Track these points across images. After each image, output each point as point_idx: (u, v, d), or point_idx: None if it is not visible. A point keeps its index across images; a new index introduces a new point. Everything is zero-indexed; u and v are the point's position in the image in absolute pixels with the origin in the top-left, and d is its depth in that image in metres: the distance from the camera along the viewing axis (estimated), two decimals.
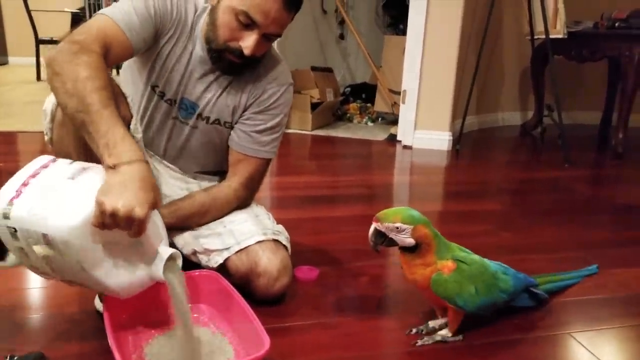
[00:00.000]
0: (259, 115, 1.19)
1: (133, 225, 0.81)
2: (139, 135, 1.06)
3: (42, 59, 4.82)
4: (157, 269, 0.89)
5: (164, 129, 1.20)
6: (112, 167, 0.83)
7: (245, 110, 1.19)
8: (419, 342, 1.03)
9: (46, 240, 0.80)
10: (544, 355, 1.04)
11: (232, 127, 1.20)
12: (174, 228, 1.16)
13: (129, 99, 1.01)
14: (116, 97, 0.93)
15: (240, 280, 1.11)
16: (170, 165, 1.25)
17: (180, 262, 0.93)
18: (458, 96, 2.92)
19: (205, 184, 1.26)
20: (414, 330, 1.07)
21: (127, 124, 0.98)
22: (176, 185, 1.25)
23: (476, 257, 1.05)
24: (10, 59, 6.14)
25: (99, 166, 0.88)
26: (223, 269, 1.12)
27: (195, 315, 1.07)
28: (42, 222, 0.80)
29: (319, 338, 1.05)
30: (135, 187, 0.81)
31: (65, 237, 0.79)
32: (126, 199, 0.79)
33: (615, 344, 1.09)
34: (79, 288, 0.96)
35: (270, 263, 1.10)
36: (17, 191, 0.83)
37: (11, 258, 0.93)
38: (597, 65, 3.17)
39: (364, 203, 1.98)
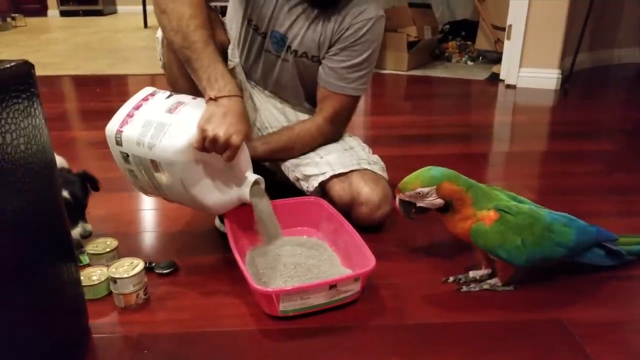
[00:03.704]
0: (344, 52, 1.19)
1: (229, 150, 0.93)
2: (236, 60, 1.15)
3: (148, 7, 5.09)
4: (245, 191, 1.03)
5: (259, 62, 1.27)
6: (214, 99, 0.95)
7: (331, 45, 1.20)
8: (464, 289, 1.00)
9: (154, 165, 0.95)
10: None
11: (319, 62, 1.22)
12: (263, 160, 1.25)
13: (227, 27, 1.11)
14: (214, 24, 1.03)
15: (344, 207, 1.17)
16: (270, 94, 1.32)
17: (263, 185, 1.06)
18: (570, 31, 2.69)
19: (302, 116, 1.31)
20: (451, 279, 1.03)
21: (224, 49, 1.08)
22: (275, 115, 1.31)
23: (527, 206, 0.96)
24: (119, 8, 6.56)
25: (192, 99, 1.00)
26: (328, 198, 1.19)
27: (305, 236, 1.16)
28: (148, 151, 0.94)
29: (411, 263, 1.10)
30: (234, 118, 0.93)
31: (171, 159, 0.93)
32: (226, 127, 0.92)
33: None
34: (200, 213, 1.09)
35: (372, 193, 1.16)
36: (123, 121, 0.97)
37: (75, 231, 1.06)
38: None
39: (461, 142, 1.95)
